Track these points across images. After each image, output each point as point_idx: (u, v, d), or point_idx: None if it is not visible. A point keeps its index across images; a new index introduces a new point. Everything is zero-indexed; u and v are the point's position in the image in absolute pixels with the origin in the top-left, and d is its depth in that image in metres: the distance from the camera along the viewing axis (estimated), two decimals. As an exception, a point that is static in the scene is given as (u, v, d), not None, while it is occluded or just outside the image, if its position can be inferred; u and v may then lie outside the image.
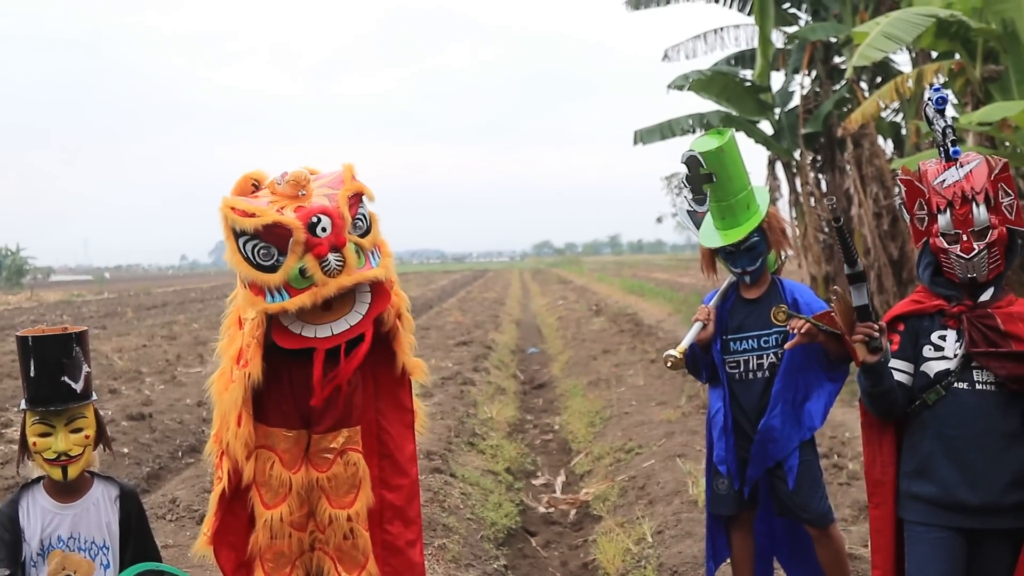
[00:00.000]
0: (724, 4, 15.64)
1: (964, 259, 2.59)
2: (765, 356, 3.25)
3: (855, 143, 13.68)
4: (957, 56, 10.84)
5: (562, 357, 13.01)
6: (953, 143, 2.67)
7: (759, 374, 3.26)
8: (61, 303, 34.35)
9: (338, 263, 2.89)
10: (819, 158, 15.17)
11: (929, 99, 2.74)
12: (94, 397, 2.79)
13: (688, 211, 3.46)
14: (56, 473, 2.70)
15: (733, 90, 14.91)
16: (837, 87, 14.67)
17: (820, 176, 15.23)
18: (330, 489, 3.16)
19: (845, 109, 13.81)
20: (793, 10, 15.69)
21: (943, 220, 2.61)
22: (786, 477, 3.20)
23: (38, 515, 2.76)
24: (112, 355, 13.22)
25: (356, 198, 3.05)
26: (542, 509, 6.15)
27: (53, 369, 2.68)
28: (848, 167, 14.26)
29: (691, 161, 3.17)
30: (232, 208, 2.92)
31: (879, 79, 14.03)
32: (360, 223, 3.03)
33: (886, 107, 11.94)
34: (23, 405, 2.71)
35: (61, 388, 2.68)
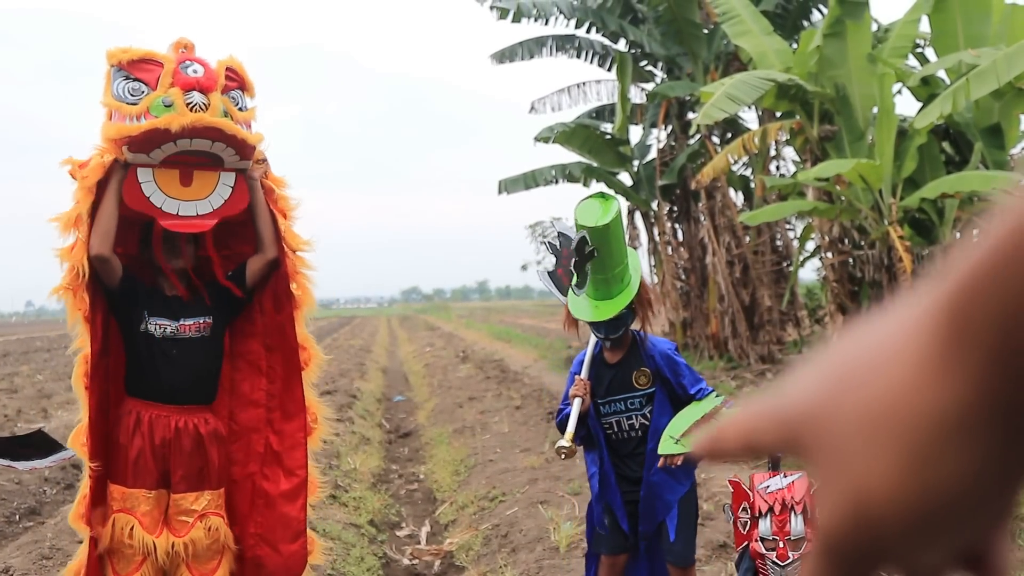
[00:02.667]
0: (586, 60, 16.20)
1: (779, 566, 2.69)
2: (635, 417, 3.25)
3: (708, 195, 14.36)
4: (797, 116, 11.58)
5: (428, 405, 12.96)
6: (776, 461, 2.81)
7: (632, 433, 3.27)
8: None
9: (203, 102, 2.88)
10: (675, 209, 15.81)
11: None
12: None
13: (548, 272, 3.38)
14: None
15: (595, 142, 15.41)
16: (691, 141, 15.38)
17: (676, 226, 15.86)
18: (190, 556, 3.06)
19: (699, 162, 14.47)
20: (650, 68, 16.40)
21: (763, 525, 2.74)
22: (668, 529, 3.25)
23: None
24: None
25: (234, 75, 3.04)
26: (406, 561, 6.07)
27: None
28: (702, 217, 14.94)
29: (580, 241, 2.96)
30: (117, 48, 2.93)
31: (729, 135, 14.81)
32: (236, 100, 3.02)
33: (736, 161, 12.59)
34: None
35: None
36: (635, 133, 16.46)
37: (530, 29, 54.29)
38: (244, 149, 2.99)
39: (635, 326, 3.33)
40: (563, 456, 3.12)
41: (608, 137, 15.83)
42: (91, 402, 2.94)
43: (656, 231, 15.89)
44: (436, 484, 7.98)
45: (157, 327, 3.07)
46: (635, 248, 16.66)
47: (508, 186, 15.45)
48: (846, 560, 0.41)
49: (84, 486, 3.01)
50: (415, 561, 6.07)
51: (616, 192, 15.69)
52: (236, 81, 3.05)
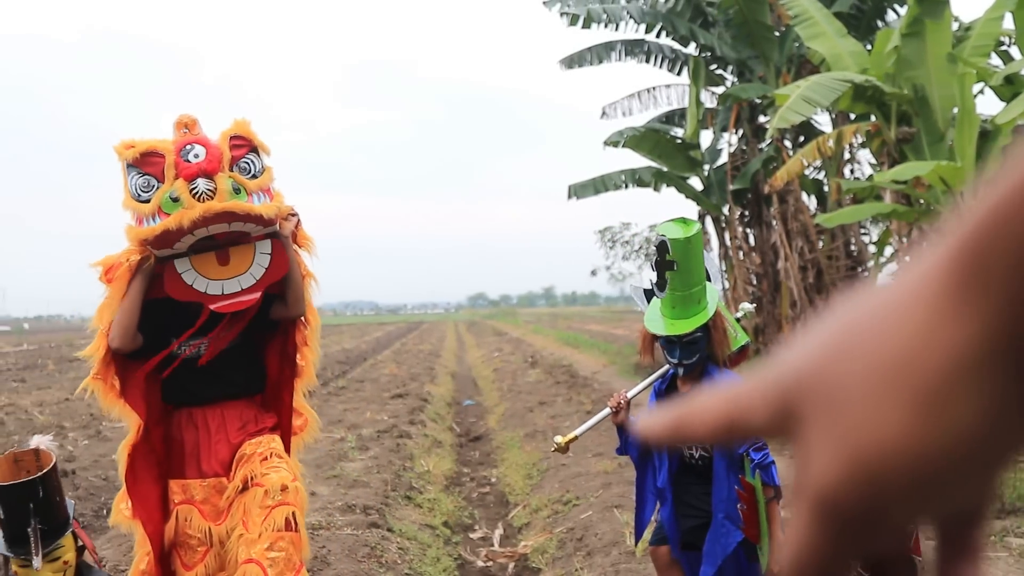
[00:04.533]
0: (655, 64, 16.13)
1: None
2: (696, 448, 3.19)
3: (780, 199, 14.17)
4: (873, 118, 11.35)
5: (498, 409, 13.01)
6: None
7: (693, 462, 3.23)
8: (-22, 355, 33.15)
9: (208, 188, 2.88)
10: (747, 213, 15.63)
11: None
12: (70, 528, 2.74)
13: (645, 289, 3.36)
14: None
15: (665, 147, 15.32)
16: (763, 145, 15.19)
17: (748, 230, 15.69)
18: (248, 535, 3.12)
19: (771, 167, 14.29)
20: (720, 71, 16.26)
21: None
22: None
23: None
24: (32, 409, 12.79)
25: (242, 141, 3.03)
26: (480, 563, 6.11)
27: (22, 515, 2.63)
28: (774, 222, 14.73)
29: (661, 245, 3.06)
30: (122, 143, 2.98)
31: (802, 138, 14.60)
32: (248, 167, 3.00)
33: (809, 165, 12.41)
34: (1, 545, 2.68)
35: (32, 531, 2.65)
36: (705, 137, 16.34)
37: (600, 34, 54.18)
38: (263, 221, 3.01)
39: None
40: (552, 449, 3.21)
41: (678, 141, 15.73)
42: (129, 475, 3.07)
43: (727, 236, 15.73)
44: (508, 487, 8.01)
45: (190, 348, 3.14)
46: (707, 251, 16.62)
47: (578, 191, 15.46)
48: (842, 523, 0.38)
49: (121, 496, 3.13)
50: (489, 563, 6.10)
51: (686, 196, 15.59)
52: (245, 146, 3.04)
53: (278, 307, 3.20)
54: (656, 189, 15.23)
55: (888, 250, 12.56)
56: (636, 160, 16.01)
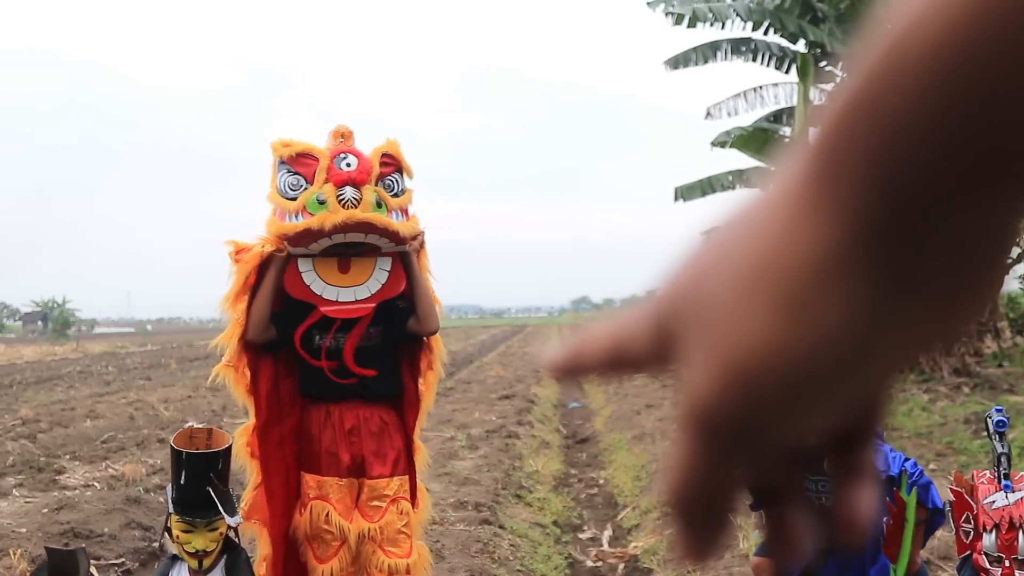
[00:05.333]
0: (762, 63, 15.82)
1: None
2: (824, 498, 3.13)
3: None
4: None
5: (604, 411, 12.99)
6: (1006, 475, 2.70)
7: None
8: (106, 354, 34.95)
9: (354, 197, 2.98)
10: (861, 214, 15.16)
11: (989, 416, 2.79)
12: (237, 519, 2.91)
13: None
14: (193, 563, 2.88)
15: (773, 147, 15.01)
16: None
17: (862, 232, 15.20)
18: (383, 539, 3.19)
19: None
20: (831, 68, 15.83)
21: (987, 540, 2.63)
22: None
23: None
24: (158, 405, 13.45)
25: (391, 160, 3.14)
26: (590, 563, 6.13)
27: (201, 482, 2.83)
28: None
29: None
30: (280, 141, 3.10)
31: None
32: (392, 185, 3.11)
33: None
34: (169, 504, 2.88)
35: (206, 499, 2.84)
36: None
37: (705, 33, 53.40)
38: (398, 239, 3.09)
39: None
40: None
41: (787, 141, 15.37)
42: (262, 469, 3.16)
43: (840, 237, 15.31)
44: (617, 489, 8.00)
45: (330, 341, 3.23)
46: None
47: (684, 193, 15.31)
48: (718, 436, 0.36)
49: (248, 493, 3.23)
50: (599, 563, 6.12)
51: (797, 197, 15.26)
52: (392, 165, 3.14)
53: (413, 323, 3.26)
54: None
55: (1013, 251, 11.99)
56: (744, 161, 15.75)
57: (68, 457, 8.76)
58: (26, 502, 6.73)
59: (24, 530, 5.85)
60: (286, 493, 3.26)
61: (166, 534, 2.96)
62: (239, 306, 3.12)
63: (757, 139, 14.97)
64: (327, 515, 3.18)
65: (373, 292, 3.16)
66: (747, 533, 5.29)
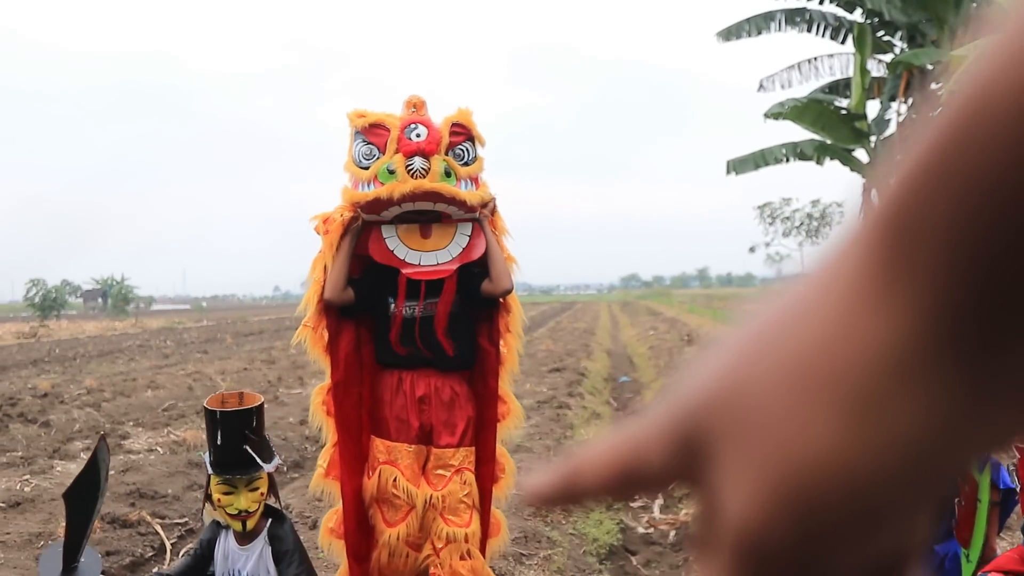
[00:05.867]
0: (817, 33, 15.54)
1: None
2: None
3: (957, 170, 13.40)
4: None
5: (655, 386, 12.98)
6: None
7: None
8: (164, 330, 35.78)
9: (423, 167, 3.06)
10: (918, 186, 14.85)
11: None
12: (276, 461, 3.02)
13: None
14: (237, 526, 2.97)
15: (828, 118, 14.77)
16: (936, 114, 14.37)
17: (919, 204, 14.90)
18: (445, 508, 3.25)
19: (946, 136, 13.49)
20: (888, 37, 15.50)
21: None
22: None
23: (226, 551, 3.06)
24: (216, 377, 13.76)
25: (462, 129, 3.20)
26: (641, 529, 6.18)
27: (236, 440, 2.93)
28: (949, 195, 13.96)
29: None
30: (356, 112, 3.19)
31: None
32: (462, 154, 3.17)
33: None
34: (209, 467, 2.98)
35: (243, 456, 2.93)
36: (872, 108, 15.64)
37: (758, 4, 52.54)
38: (466, 207, 3.16)
39: None
40: None
41: (843, 112, 15.13)
42: (337, 428, 3.24)
43: (896, 210, 15.02)
44: (667, 459, 8.03)
45: (407, 308, 3.31)
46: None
47: (737, 166, 15.15)
48: (770, 565, 0.30)
49: (326, 452, 3.31)
50: (651, 530, 6.16)
51: (851, 169, 14.99)
52: (463, 134, 3.20)
53: (487, 284, 3.32)
54: (819, 163, 14.72)
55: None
56: (797, 134, 15.54)
57: (131, 424, 9.04)
58: (93, 465, 6.96)
59: (93, 490, 6.06)
60: (358, 454, 3.34)
61: (207, 502, 3.06)
62: (318, 269, 3.21)
63: (811, 111, 14.73)
64: (395, 480, 3.25)
65: (454, 256, 3.24)
66: None
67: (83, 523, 2.71)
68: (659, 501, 6.78)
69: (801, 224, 23.28)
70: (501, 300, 3.38)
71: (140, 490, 6.09)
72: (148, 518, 5.43)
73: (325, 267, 3.22)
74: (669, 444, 0.34)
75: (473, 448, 3.37)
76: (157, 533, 5.29)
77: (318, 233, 3.24)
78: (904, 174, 0.28)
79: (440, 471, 3.29)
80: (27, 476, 6.44)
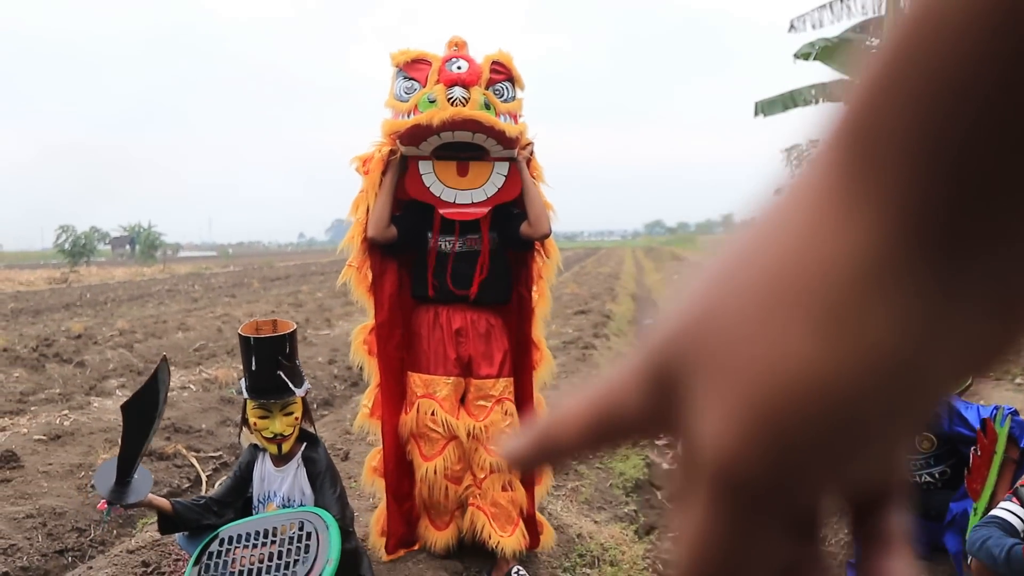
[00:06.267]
0: (851, -30, 15.17)
1: None
2: (923, 475, 3.26)
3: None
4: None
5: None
6: None
7: (926, 486, 3.26)
8: (192, 275, 36.13)
9: (463, 96, 3.07)
10: (951, 127, 14.60)
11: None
12: (306, 387, 3.07)
13: None
14: (273, 449, 3.06)
15: (859, 58, 14.47)
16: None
17: (952, 146, 14.65)
18: (486, 439, 3.29)
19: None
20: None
21: None
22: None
23: (263, 474, 3.15)
24: (244, 319, 13.90)
25: (502, 68, 3.21)
26: (666, 465, 6.25)
27: (270, 365, 2.99)
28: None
29: None
30: (399, 51, 3.22)
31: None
32: (502, 91, 3.18)
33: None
34: (244, 392, 3.05)
35: (277, 382, 2.99)
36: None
37: (786, -55, 51.19)
38: (503, 139, 3.13)
39: None
40: None
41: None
42: (380, 367, 3.27)
43: (928, 152, 14.78)
44: (693, 399, 8.08)
45: (444, 243, 3.34)
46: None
47: (765, 108, 14.93)
48: (749, 493, 0.29)
49: (371, 393, 3.35)
50: (675, 465, 6.22)
51: (883, 110, 14.75)
52: (503, 74, 3.19)
53: (525, 227, 3.33)
54: (850, 103, 14.47)
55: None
56: (828, 74, 15.25)
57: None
58: (129, 401, 7.11)
59: (129, 424, 6.21)
60: (400, 393, 3.39)
61: (244, 426, 3.13)
62: (361, 208, 3.24)
63: (842, 50, 14.43)
64: (433, 412, 3.29)
65: (489, 195, 3.25)
66: None
67: (139, 440, 2.80)
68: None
69: (830, 167, 23.02)
70: (538, 245, 3.39)
71: (176, 425, 6.22)
72: (184, 451, 5.56)
73: (368, 207, 3.24)
74: (641, 386, 0.33)
75: (512, 379, 3.40)
76: (193, 466, 5.42)
77: (358, 173, 3.26)
78: (862, 82, 0.27)
79: (481, 402, 3.33)
80: (66, 411, 6.60)
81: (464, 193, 3.23)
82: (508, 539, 3.33)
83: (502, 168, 3.24)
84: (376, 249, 3.28)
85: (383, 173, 3.21)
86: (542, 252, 3.41)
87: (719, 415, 0.29)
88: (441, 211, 3.23)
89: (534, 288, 3.42)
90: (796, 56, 14.43)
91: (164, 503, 2.94)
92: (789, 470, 0.28)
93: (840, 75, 14.74)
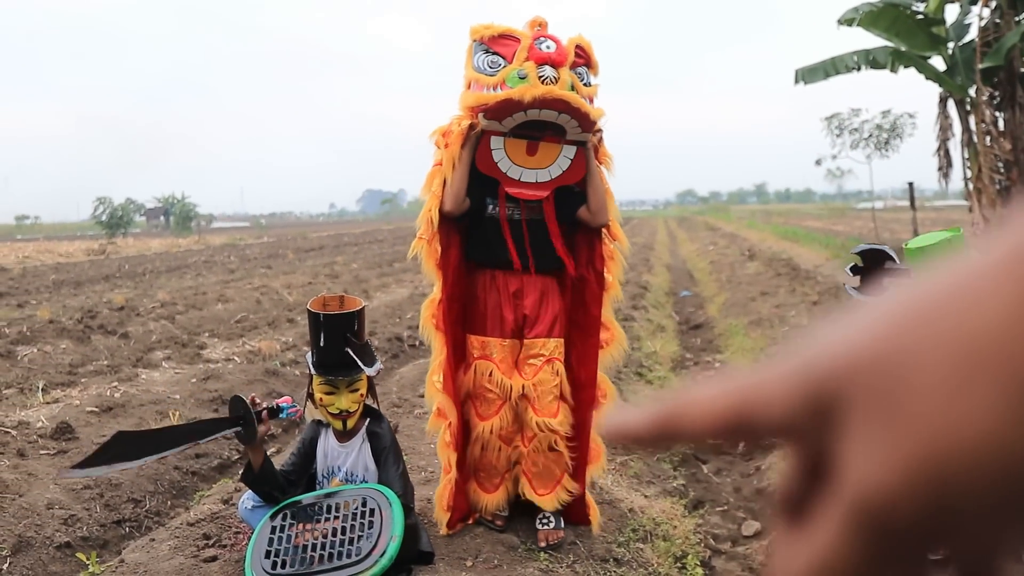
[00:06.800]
0: (895, -68, 14.80)
1: None
2: None
3: (1039, 77, 12.83)
4: None
5: (718, 299, 12.92)
6: None
7: None
8: (227, 246, 36.45)
9: (552, 75, 3.09)
10: (997, 94, 14.29)
11: None
12: (378, 366, 3.08)
13: (855, 288, 3.23)
14: (337, 424, 3.09)
15: (904, 23, 14.18)
16: (1020, 18, 13.72)
17: (997, 113, 14.36)
18: (535, 397, 3.32)
19: (1029, 40, 12.92)
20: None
21: None
22: None
23: (327, 449, 3.18)
24: (282, 291, 14.03)
25: (583, 53, 3.23)
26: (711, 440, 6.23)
27: (339, 342, 3.01)
28: (1030, 103, 13.40)
29: (878, 252, 3.07)
30: (480, 25, 3.23)
31: (1070, 7, 13.06)
32: (582, 76, 3.20)
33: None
34: (311, 367, 3.07)
35: (345, 359, 3.01)
36: (951, 12, 14.96)
37: (824, -93, 50.09)
38: (586, 122, 3.16)
39: None
40: None
41: (920, 17, 14.50)
42: (446, 340, 3.27)
43: (972, 120, 14.49)
44: (735, 371, 8.03)
45: (510, 210, 3.35)
46: (947, 139, 15.20)
47: (806, 75, 14.67)
48: (888, 535, 0.30)
49: (438, 362, 3.34)
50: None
51: (927, 77, 14.44)
52: (583, 59, 3.22)
53: (583, 212, 3.37)
54: (893, 70, 14.17)
55: None
56: (870, 41, 14.97)
57: (207, 335, 9.30)
58: (175, 373, 7.21)
59: (178, 396, 6.29)
60: (459, 358, 3.42)
61: (308, 401, 3.15)
62: (437, 182, 3.24)
63: (887, 15, 14.15)
64: (490, 373, 3.33)
65: (554, 177, 3.28)
66: None
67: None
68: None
69: (870, 136, 22.49)
70: (604, 229, 3.42)
71: (222, 396, 6.30)
72: (233, 423, 5.63)
73: (444, 180, 3.24)
74: (794, 400, 0.34)
75: (563, 340, 3.43)
76: (242, 437, 5.48)
77: (437, 147, 3.27)
78: None
79: (532, 361, 3.36)
80: (115, 383, 6.69)
81: (530, 172, 3.27)
82: (545, 498, 3.37)
83: (569, 151, 3.27)
84: (445, 221, 3.29)
85: (461, 147, 3.21)
86: (611, 234, 3.43)
87: (880, 454, 0.30)
88: (507, 188, 3.28)
89: (605, 269, 3.44)
90: (839, 22, 14.16)
91: (262, 455, 3.03)
92: (938, 524, 0.30)
93: (882, 41, 14.46)
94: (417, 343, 8.99)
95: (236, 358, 7.85)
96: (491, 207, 3.35)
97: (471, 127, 3.20)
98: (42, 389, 6.55)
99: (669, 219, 66.54)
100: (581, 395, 3.45)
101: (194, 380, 6.85)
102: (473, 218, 3.39)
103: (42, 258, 29.39)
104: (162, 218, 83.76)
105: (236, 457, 5.35)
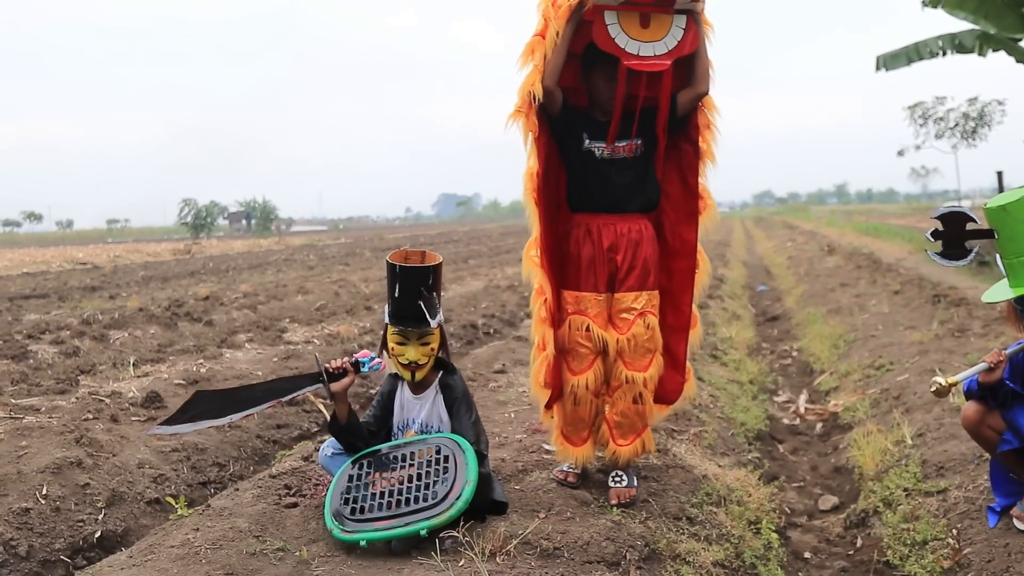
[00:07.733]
0: (982, -86, 14.33)
1: None
2: None
3: None
4: None
5: (795, 292, 12.72)
6: None
7: None
8: (306, 246, 37.22)
9: None
10: (1092, 79, 13.70)
11: None
12: (439, 318, 3.16)
13: (939, 253, 3.25)
14: (407, 375, 3.18)
15: (992, 5, 13.69)
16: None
17: (1092, 99, 13.78)
18: (628, 351, 3.33)
19: None
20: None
21: None
22: None
23: (402, 402, 3.28)
24: (359, 284, 14.30)
25: None
26: (787, 420, 6.16)
27: (413, 295, 3.10)
28: None
29: (959, 215, 3.12)
30: None
31: None
32: None
33: None
34: (386, 316, 3.18)
35: (416, 311, 3.10)
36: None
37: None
38: (691, 33, 3.21)
39: None
40: (932, 389, 3.07)
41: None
42: (541, 214, 3.30)
43: (1065, 106, 13.92)
44: (812, 357, 7.90)
45: (596, 148, 3.37)
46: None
47: (888, 62, 14.29)
48: None
49: (538, 305, 3.34)
50: (796, 421, 6.13)
51: (1017, 61, 13.94)
52: None
53: (684, 93, 3.37)
54: (981, 54, 13.70)
55: None
56: (955, 26, 14.51)
57: (288, 320, 9.54)
58: (258, 353, 7.42)
59: (260, 373, 6.49)
60: (553, 240, 3.44)
61: (383, 351, 3.23)
62: (538, 53, 3.25)
63: None
64: (587, 328, 3.34)
65: (670, 48, 3.28)
66: (957, 391, 5.11)
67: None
68: (803, 397, 6.71)
69: (956, 125, 21.77)
70: (700, 104, 3.42)
71: (303, 373, 6.45)
72: (311, 397, 5.76)
73: (545, 54, 3.24)
74: None
75: (656, 292, 3.43)
76: (320, 411, 5.62)
77: (544, 17, 3.25)
78: None
79: (624, 315, 3.36)
80: (200, 361, 6.93)
81: (647, 45, 3.26)
82: (625, 448, 3.39)
83: (680, 21, 3.27)
84: (542, 112, 3.31)
85: (566, 22, 3.23)
86: (703, 108, 3.45)
87: None
88: (625, 63, 3.26)
89: (700, 139, 3.45)
90: (924, 4, 13.77)
91: (347, 407, 3.18)
92: None
93: (969, 24, 14.01)
94: (492, 331, 9.07)
95: (315, 340, 8.04)
96: (587, 141, 3.37)
97: (581, 2, 3.20)
98: (133, 364, 6.82)
99: (746, 219, 65.54)
100: (675, 317, 3.49)
101: (275, 359, 7.04)
102: (569, 156, 3.41)
103: (132, 257, 30.49)
104: (244, 221, 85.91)
105: (316, 429, 5.49)
